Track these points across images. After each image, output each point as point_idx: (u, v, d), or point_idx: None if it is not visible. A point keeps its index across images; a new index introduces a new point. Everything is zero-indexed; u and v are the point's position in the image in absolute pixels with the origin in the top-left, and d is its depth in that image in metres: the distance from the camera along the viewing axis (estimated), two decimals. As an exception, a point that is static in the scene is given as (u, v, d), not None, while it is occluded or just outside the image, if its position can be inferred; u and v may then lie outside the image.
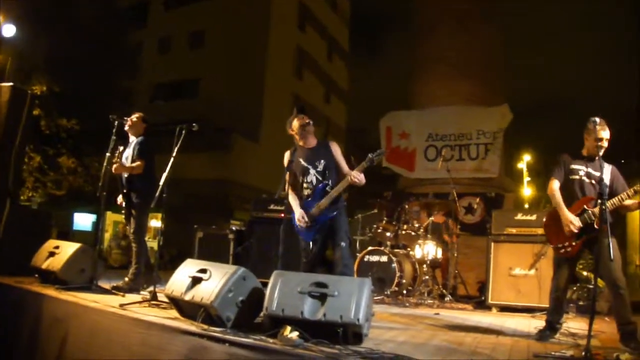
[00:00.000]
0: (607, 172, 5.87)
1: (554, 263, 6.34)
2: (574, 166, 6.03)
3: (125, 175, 8.16)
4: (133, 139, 8.43)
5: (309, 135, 6.69)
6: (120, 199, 8.30)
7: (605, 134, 5.84)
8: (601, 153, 5.85)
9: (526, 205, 32.30)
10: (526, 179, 39.56)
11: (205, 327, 4.99)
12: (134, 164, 8.08)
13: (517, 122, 13.47)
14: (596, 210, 5.65)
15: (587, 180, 5.94)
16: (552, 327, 6.11)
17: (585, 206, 5.81)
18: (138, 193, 8.12)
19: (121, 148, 8.24)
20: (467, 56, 14.28)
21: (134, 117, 8.46)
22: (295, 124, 6.68)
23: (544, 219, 6.42)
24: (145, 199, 7.81)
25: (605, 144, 5.87)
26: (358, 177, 6.27)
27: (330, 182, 6.51)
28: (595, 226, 5.63)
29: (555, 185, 6.10)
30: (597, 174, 5.82)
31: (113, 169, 7.99)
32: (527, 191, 39.19)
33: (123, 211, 8.40)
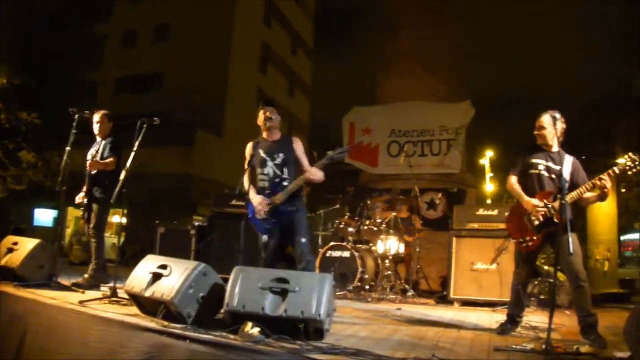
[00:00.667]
0: (568, 164, 5.93)
1: (515, 257, 6.40)
2: (534, 160, 6.10)
3: (93, 172, 8.09)
4: (99, 139, 8.46)
5: (272, 129, 6.67)
6: (79, 197, 8.24)
7: (538, 122, 6.04)
8: (540, 141, 6.07)
9: (488, 201, 32.58)
10: (488, 174, 39.89)
11: (166, 323, 4.95)
12: (107, 160, 8.10)
13: (479, 118, 13.56)
14: (556, 204, 5.70)
15: (546, 174, 6.00)
16: (513, 320, 6.19)
17: (545, 200, 5.86)
18: (103, 188, 8.07)
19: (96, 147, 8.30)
20: (431, 52, 14.32)
21: (98, 117, 8.46)
22: (260, 116, 6.66)
23: (506, 214, 6.48)
24: (109, 195, 7.74)
25: (538, 131, 6.06)
26: (316, 174, 6.27)
27: (287, 177, 6.49)
28: (556, 220, 5.68)
29: (512, 179, 6.21)
30: (558, 167, 5.88)
31: (88, 165, 7.97)
32: (489, 187, 39.53)
33: (82, 207, 8.35)
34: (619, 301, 10.21)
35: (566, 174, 5.82)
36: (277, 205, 6.43)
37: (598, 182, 5.58)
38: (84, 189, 8.20)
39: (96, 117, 8.45)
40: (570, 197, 5.69)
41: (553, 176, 5.92)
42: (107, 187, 7.92)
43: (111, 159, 8.08)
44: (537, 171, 6.04)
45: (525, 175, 6.15)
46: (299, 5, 47.73)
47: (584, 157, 6.20)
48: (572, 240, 5.14)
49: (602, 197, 5.75)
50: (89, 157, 8.29)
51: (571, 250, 5.09)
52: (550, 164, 5.98)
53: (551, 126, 5.89)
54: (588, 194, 5.76)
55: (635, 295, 11.19)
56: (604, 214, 11.39)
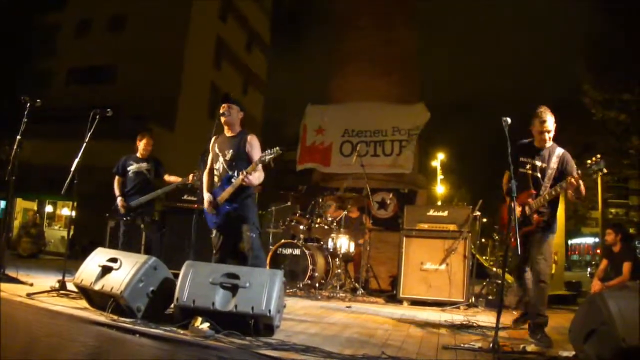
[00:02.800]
0: (555, 159, 6.00)
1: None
2: (522, 159, 6.16)
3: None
4: (139, 156, 9.19)
5: (229, 125, 6.65)
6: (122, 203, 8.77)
7: (548, 124, 5.99)
8: (548, 144, 6.05)
9: (439, 203, 32.93)
10: (439, 176, 40.34)
11: (115, 317, 4.92)
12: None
13: (432, 121, 13.65)
14: (533, 202, 5.85)
15: (531, 172, 6.06)
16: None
17: (529, 200, 5.96)
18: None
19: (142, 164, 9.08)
20: (385, 53, 14.40)
21: (149, 139, 9.28)
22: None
23: (503, 209, 6.59)
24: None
25: (547, 135, 6.02)
26: (247, 178, 6.24)
27: (235, 174, 6.47)
28: (533, 220, 5.79)
29: (506, 177, 6.23)
30: (543, 165, 6.00)
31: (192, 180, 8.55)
32: (439, 189, 39.97)
33: (126, 217, 8.81)
34: (566, 303, 10.40)
35: (551, 170, 5.94)
36: (224, 201, 6.45)
37: (563, 184, 5.67)
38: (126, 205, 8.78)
39: (148, 139, 9.19)
40: (548, 194, 5.85)
41: (538, 174, 6.01)
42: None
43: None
44: (524, 170, 6.11)
45: (515, 173, 6.06)
46: (256, 1, 47.57)
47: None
48: (542, 239, 5.26)
49: (577, 194, 5.83)
50: (137, 169, 9.03)
51: (540, 249, 5.21)
52: (537, 162, 6.04)
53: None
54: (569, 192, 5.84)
55: (581, 297, 11.40)
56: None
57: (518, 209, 5.92)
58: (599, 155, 5.63)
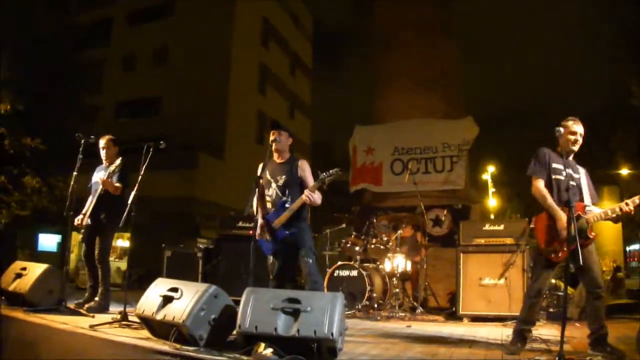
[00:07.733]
0: (584, 175, 5.85)
1: (534, 267, 6.13)
2: (555, 165, 5.79)
3: (101, 192, 8.08)
4: (106, 164, 8.41)
5: (279, 151, 6.69)
6: (79, 219, 8.25)
7: (578, 128, 5.79)
8: (575, 148, 5.82)
9: (492, 216, 32.61)
10: (491, 190, 39.95)
11: (178, 346, 4.95)
12: (117, 184, 8.06)
13: (479, 134, 13.55)
14: (590, 217, 5.57)
15: (572, 182, 5.70)
16: (522, 336, 5.83)
17: (580, 213, 5.61)
18: (108, 213, 8.08)
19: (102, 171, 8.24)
20: (427, 69, 14.38)
21: (104, 142, 8.47)
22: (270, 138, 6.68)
23: (534, 219, 6.04)
24: (114, 220, 7.74)
25: (579, 138, 5.80)
26: (311, 196, 6.26)
27: (289, 199, 6.49)
28: (589, 235, 5.57)
29: (541, 184, 5.78)
30: (577, 176, 5.79)
31: (101, 182, 7.93)
32: (492, 202, 39.57)
33: (82, 231, 8.44)
34: (628, 312, 10.16)
35: (584, 185, 5.78)
36: (278, 228, 6.46)
37: (625, 207, 5.43)
38: (85, 211, 8.22)
39: (102, 142, 8.48)
40: (599, 215, 5.58)
41: (574, 184, 5.72)
42: (113, 213, 7.90)
43: (119, 185, 8.07)
44: (562, 177, 5.72)
45: (548, 180, 5.80)
46: (297, 26, 47.93)
47: (586, 168, 6.08)
48: (592, 250, 5.18)
49: (617, 220, 5.67)
50: (96, 180, 8.32)
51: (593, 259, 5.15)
52: (571, 172, 5.72)
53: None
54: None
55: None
56: (608, 225, 11.37)
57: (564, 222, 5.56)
58: None
